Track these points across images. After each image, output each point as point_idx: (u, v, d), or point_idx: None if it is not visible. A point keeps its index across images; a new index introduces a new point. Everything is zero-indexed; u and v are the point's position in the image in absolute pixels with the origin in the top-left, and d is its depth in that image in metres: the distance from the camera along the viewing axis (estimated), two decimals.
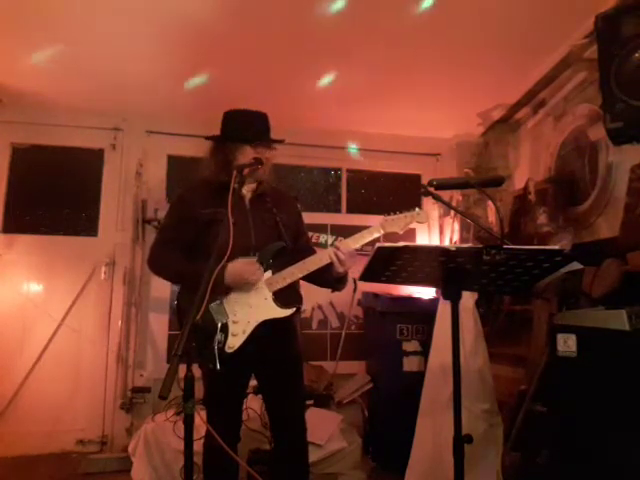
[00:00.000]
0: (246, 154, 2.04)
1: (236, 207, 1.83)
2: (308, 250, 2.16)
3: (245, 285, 1.93)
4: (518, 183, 3.81)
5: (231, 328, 1.91)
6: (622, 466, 1.77)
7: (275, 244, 2.01)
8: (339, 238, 2.02)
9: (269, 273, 1.98)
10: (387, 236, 1.99)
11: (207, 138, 2.16)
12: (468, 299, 2.88)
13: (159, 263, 2.09)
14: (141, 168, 4.01)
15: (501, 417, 2.82)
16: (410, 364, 3.51)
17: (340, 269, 1.95)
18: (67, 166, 4.12)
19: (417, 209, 2.01)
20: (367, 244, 2.00)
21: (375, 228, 2.00)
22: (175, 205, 2.17)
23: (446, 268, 1.62)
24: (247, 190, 2.11)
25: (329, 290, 2.17)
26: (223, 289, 1.91)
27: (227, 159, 2.05)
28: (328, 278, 2.03)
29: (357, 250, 2.00)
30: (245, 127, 2.08)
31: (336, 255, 1.94)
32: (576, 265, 1.83)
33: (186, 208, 2.07)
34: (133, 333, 3.84)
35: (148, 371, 3.80)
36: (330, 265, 1.96)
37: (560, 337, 2.02)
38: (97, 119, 4.00)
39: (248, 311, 1.94)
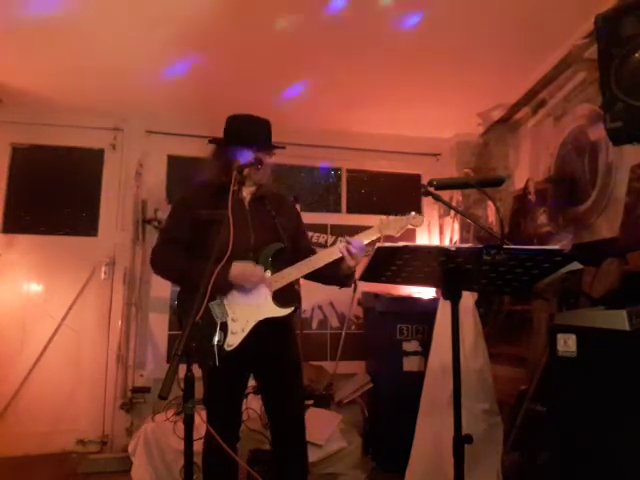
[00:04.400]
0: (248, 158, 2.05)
1: (236, 209, 1.84)
2: (309, 251, 2.17)
3: (246, 284, 1.94)
4: (518, 183, 3.81)
5: (230, 326, 1.92)
6: (622, 466, 1.77)
7: (274, 244, 2.03)
8: (339, 238, 2.01)
9: (268, 273, 1.99)
10: (386, 236, 1.99)
11: (210, 141, 2.18)
12: (468, 299, 2.88)
13: (161, 263, 2.09)
14: (141, 168, 4.01)
15: (501, 417, 2.82)
16: (410, 364, 3.51)
17: (351, 262, 1.95)
18: (67, 166, 4.12)
19: (413, 213, 2.02)
20: (367, 244, 2.00)
21: (372, 231, 2.01)
22: (176, 206, 2.19)
23: (446, 268, 1.62)
24: (247, 193, 2.13)
25: (330, 289, 2.17)
26: (225, 287, 1.91)
27: (229, 162, 2.06)
28: (336, 274, 2.04)
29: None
30: (249, 132, 2.11)
31: (347, 249, 1.94)
32: (576, 265, 1.83)
33: (187, 209, 2.10)
34: (133, 333, 3.84)
35: (148, 371, 3.80)
36: (339, 260, 1.97)
37: (560, 337, 2.02)
38: (97, 119, 4.00)
39: (247, 310, 1.95)
